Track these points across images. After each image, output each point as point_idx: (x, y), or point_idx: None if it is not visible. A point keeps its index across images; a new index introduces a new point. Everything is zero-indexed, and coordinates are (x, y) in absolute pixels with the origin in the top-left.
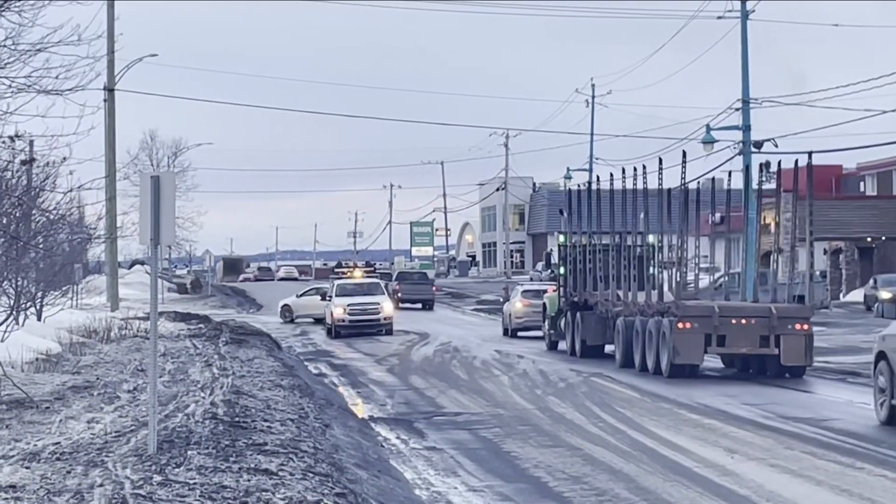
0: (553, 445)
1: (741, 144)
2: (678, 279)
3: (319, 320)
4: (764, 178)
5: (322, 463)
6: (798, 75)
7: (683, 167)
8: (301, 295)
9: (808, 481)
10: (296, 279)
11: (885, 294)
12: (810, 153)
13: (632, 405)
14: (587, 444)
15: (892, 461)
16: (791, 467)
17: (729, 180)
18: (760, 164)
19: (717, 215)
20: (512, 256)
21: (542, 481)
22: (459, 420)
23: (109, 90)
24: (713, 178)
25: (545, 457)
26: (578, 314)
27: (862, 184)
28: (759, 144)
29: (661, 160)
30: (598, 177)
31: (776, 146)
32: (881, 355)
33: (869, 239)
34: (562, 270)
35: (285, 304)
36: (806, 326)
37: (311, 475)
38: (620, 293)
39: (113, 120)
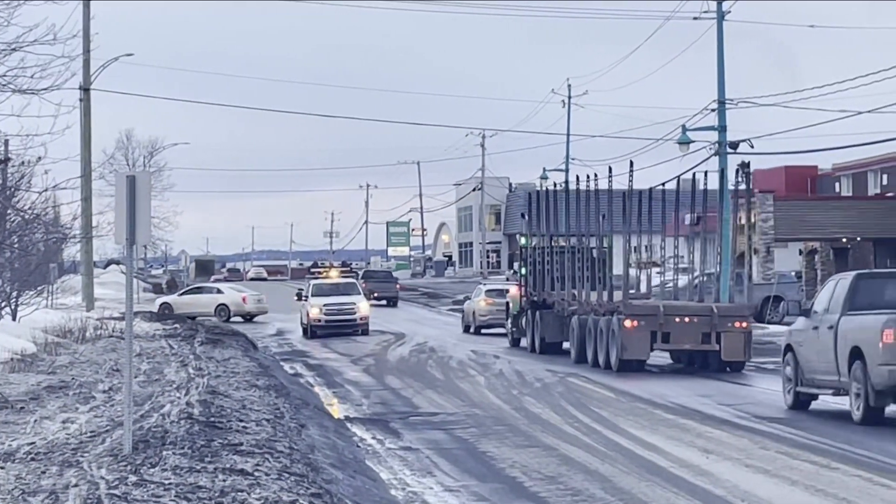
0: (529, 445)
1: (717, 145)
2: (626, 279)
3: (191, 318)
4: (740, 179)
5: (298, 463)
6: (779, 75)
7: (630, 175)
8: (182, 293)
9: (783, 481)
10: (265, 279)
11: None
12: (742, 164)
13: (607, 405)
14: (563, 444)
15: (866, 461)
16: (766, 467)
17: (705, 181)
18: (738, 165)
19: (694, 216)
20: (488, 256)
21: (518, 481)
22: (435, 420)
23: (85, 90)
24: (694, 176)
25: (521, 457)
26: (538, 313)
27: (837, 184)
28: (734, 145)
29: (631, 163)
30: (577, 177)
31: (752, 147)
32: (788, 347)
33: (844, 239)
34: (523, 271)
35: (164, 302)
36: (745, 324)
37: (286, 475)
38: (576, 293)
39: (88, 119)
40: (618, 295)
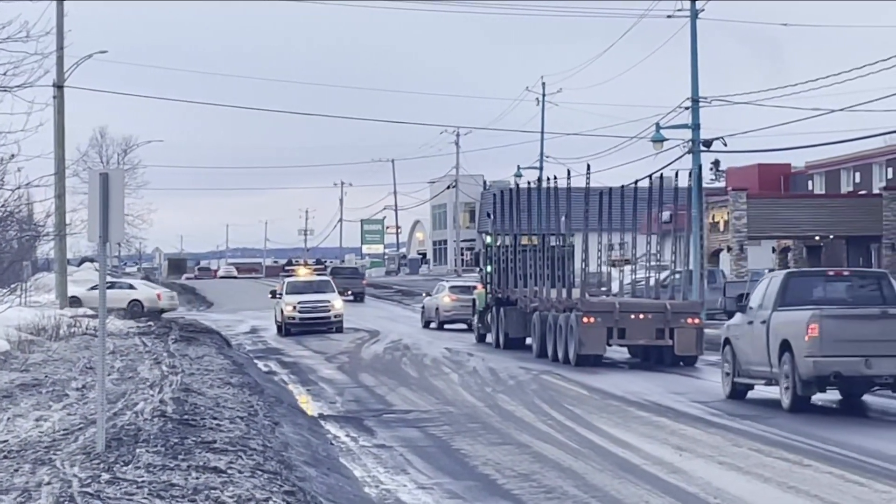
0: (502, 443)
1: (690, 143)
2: (583, 277)
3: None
4: (714, 177)
5: (271, 461)
6: (753, 73)
7: (588, 177)
8: (91, 288)
9: (755, 478)
10: (235, 277)
11: None
12: (678, 171)
13: (581, 402)
14: (536, 442)
15: (839, 458)
16: (739, 464)
17: (676, 179)
18: (711, 163)
19: (667, 213)
20: (463, 254)
21: (492, 479)
22: (409, 418)
23: (59, 87)
24: (661, 177)
25: (494, 454)
26: (502, 309)
27: (810, 182)
28: (708, 143)
29: (588, 166)
30: (538, 178)
31: (725, 145)
32: (727, 341)
33: (817, 237)
34: (488, 269)
35: (73, 296)
36: (697, 321)
37: (260, 473)
38: (537, 290)
39: (62, 117)
40: (576, 292)
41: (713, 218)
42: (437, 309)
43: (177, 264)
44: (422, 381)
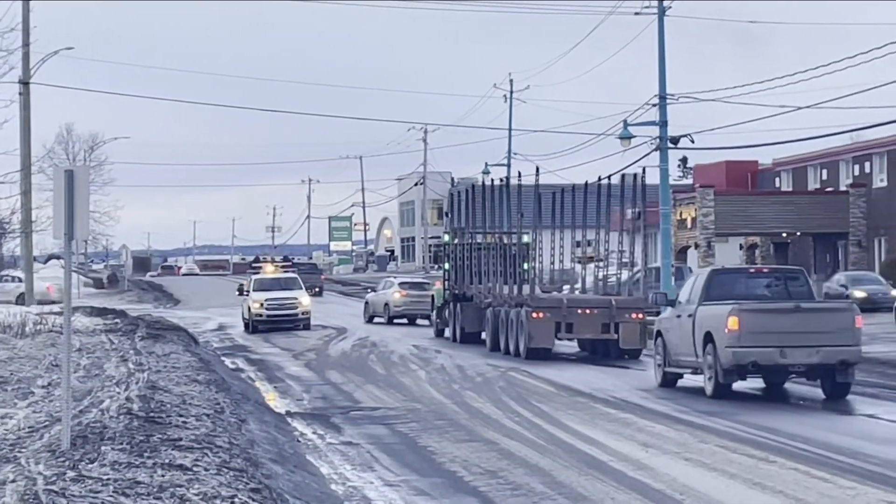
0: (469, 440)
1: (658, 140)
2: (535, 274)
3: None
4: (681, 174)
5: (237, 458)
6: (720, 70)
7: (536, 179)
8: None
9: (721, 475)
10: (196, 274)
11: (858, 293)
12: (644, 168)
13: (548, 399)
14: (503, 439)
15: (804, 455)
16: (705, 461)
17: (643, 176)
18: (679, 160)
19: (635, 210)
20: (430, 251)
21: (458, 476)
22: (376, 415)
23: (24, 83)
24: (624, 177)
25: (461, 451)
26: (459, 305)
27: (777, 179)
28: (675, 140)
29: (537, 169)
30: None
31: (693, 142)
32: (658, 333)
33: (784, 234)
34: (446, 266)
35: None
36: (640, 315)
37: (226, 470)
38: (491, 287)
39: (28, 113)
40: (526, 289)
41: (681, 215)
42: (386, 304)
43: (141, 262)
44: (389, 377)
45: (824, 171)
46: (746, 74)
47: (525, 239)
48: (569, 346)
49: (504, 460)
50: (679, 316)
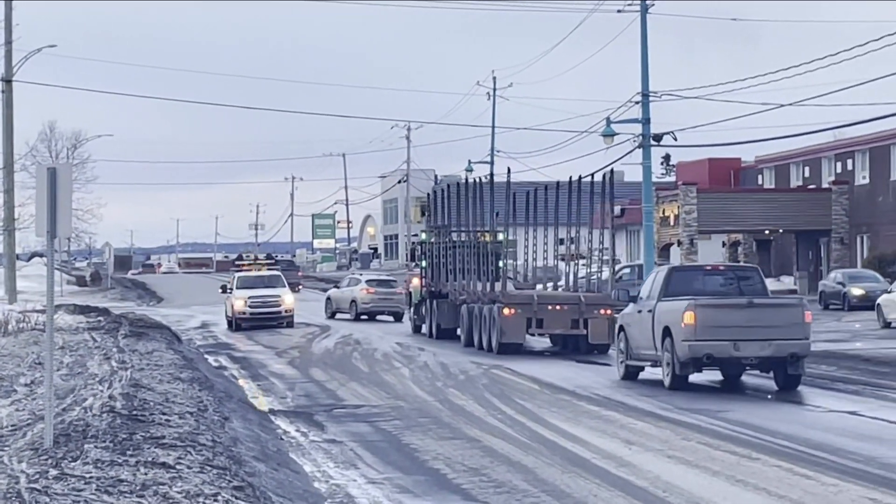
0: (453, 437)
1: (641, 137)
2: (504, 271)
3: None
4: (664, 172)
5: (220, 456)
6: (703, 68)
7: (508, 177)
8: None
9: (704, 472)
10: (174, 272)
11: (856, 290)
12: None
13: (531, 397)
14: (487, 436)
15: (786, 452)
16: (688, 458)
17: (611, 176)
18: (662, 158)
19: (618, 208)
20: (407, 249)
21: (442, 473)
22: (360, 413)
23: (7, 81)
24: (605, 175)
25: (445, 449)
26: (435, 302)
27: (760, 177)
28: (658, 137)
29: (509, 169)
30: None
31: (675, 139)
32: (621, 328)
33: (767, 231)
34: (423, 264)
35: None
36: (609, 311)
37: (209, 468)
38: (465, 284)
39: (10, 111)
40: (498, 286)
41: (664, 212)
42: (353, 301)
43: (122, 261)
44: (372, 375)
45: (807, 169)
46: (730, 72)
47: (500, 237)
48: (541, 341)
49: (487, 458)
50: (640, 311)
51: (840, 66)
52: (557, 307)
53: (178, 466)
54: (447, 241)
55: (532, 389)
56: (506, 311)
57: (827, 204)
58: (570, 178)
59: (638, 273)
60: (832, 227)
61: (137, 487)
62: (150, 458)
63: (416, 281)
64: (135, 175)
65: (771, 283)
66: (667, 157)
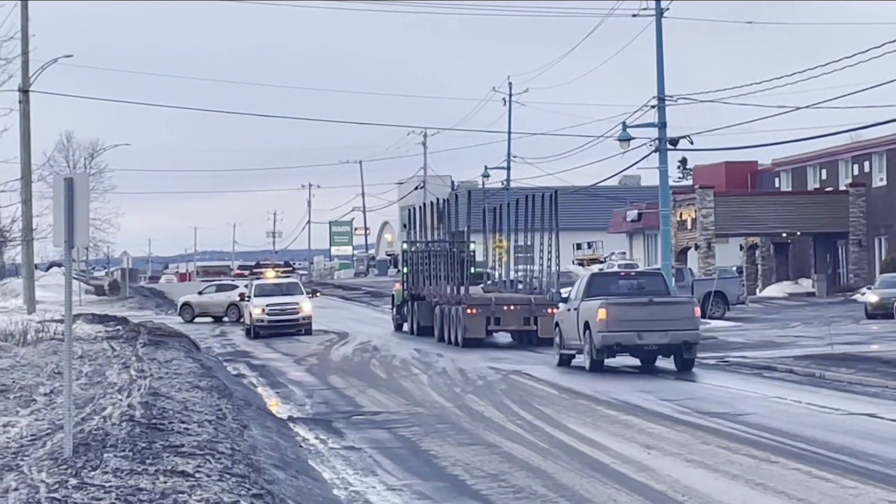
0: (471, 443)
1: (657, 142)
2: (467, 275)
3: None
4: (681, 175)
5: (239, 464)
6: (719, 71)
7: (484, 182)
8: None
9: (723, 476)
10: (170, 283)
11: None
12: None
13: (550, 402)
14: (505, 442)
15: (806, 455)
16: (707, 462)
17: (555, 197)
18: (678, 161)
19: (635, 212)
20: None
21: (461, 479)
22: (378, 419)
23: (24, 91)
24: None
25: (463, 455)
26: (415, 303)
27: (777, 179)
28: (674, 141)
29: (485, 173)
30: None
31: (692, 143)
32: (556, 323)
33: (784, 234)
34: (405, 270)
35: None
36: (554, 310)
37: (228, 476)
38: (438, 288)
39: (28, 121)
40: (463, 289)
41: (681, 216)
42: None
43: (130, 273)
44: (391, 382)
45: (824, 171)
46: (746, 75)
47: (472, 247)
48: (504, 336)
49: (506, 463)
50: (569, 310)
51: (857, 68)
52: (512, 307)
53: (197, 475)
54: (424, 251)
55: (551, 395)
56: (468, 310)
57: (844, 206)
58: (554, 192)
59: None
60: (850, 230)
61: (157, 496)
62: (169, 467)
63: (397, 285)
64: (152, 184)
65: (789, 286)
66: (683, 161)
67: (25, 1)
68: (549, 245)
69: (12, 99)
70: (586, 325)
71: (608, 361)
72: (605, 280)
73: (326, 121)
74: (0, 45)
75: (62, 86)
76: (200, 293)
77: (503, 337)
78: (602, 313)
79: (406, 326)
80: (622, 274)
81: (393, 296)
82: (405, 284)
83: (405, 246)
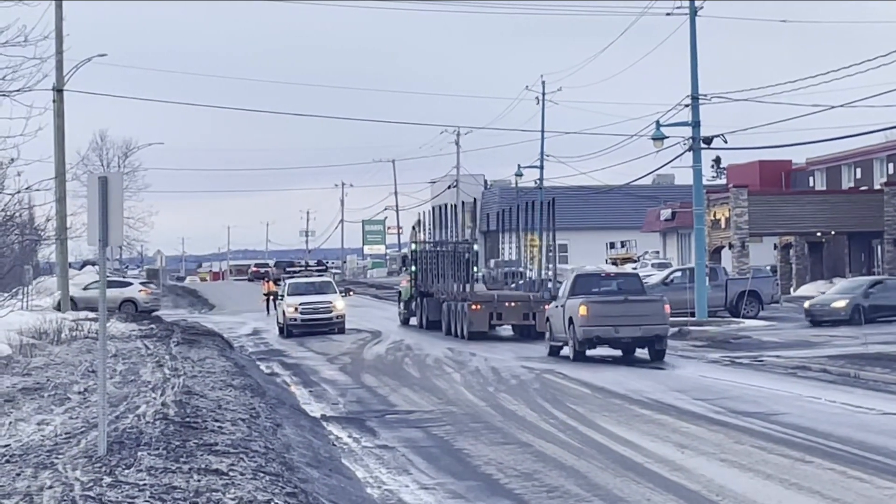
0: (504, 442)
1: (691, 140)
2: (472, 274)
3: None
4: (715, 175)
5: (273, 462)
6: (753, 70)
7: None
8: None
9: (758, 475)
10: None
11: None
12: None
13: (583, 401)
14: (538, 441)
15: (840, 454)
16: (741, 461)
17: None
18: (712, 160)
19: (669, 211)
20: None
21: (494, 478)
22: (411, 418)
23: (58, 91)
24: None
25: (496, 454)
26: (424, 299)
27: (811, 178)
28: (708, 140)
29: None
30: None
31: (726, 142)
32: (547, 318)
33: (819, 234)
34: (413, 269)
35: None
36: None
37: (261, 475)
38: (446, 285)
39: (62, 121)
40: (468, 287)
41: (714, 215)
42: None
43: (154, 273)
44: (424, 381)
45: (858, 170)
46: (780, 73)
47: (475, 247)
48: (506, 330)
49: (539, 462)
50: (557, 307)
51: (891, 67)
52: (513, 304)
53: (230, 473)
54: (432, 251)
55: (584, 394)
56: (473, 306)
57: (879, 205)
58: (545, 196)
59: (689, 276)
60: (884, 229)
61: (191, 494)
62: (203, 465)
63: (404, 282)
64: (186, 183)
65: (823, 286)
66: (717, 160)
67: (60, 0)
68: (549, 245)
69: (47, 98)
70: (570, 321)
71: (589, 352)
72: (588, 280)
73: (360, 120)
74: (35, 45)
75: (96, 85)
76: (85, 288)
77: (505, 330)
78: (583, 309)
79: (413, 321)
80: (602, 275)
81: (399, 292)
82: (414, 282)
83: (413, 246)
